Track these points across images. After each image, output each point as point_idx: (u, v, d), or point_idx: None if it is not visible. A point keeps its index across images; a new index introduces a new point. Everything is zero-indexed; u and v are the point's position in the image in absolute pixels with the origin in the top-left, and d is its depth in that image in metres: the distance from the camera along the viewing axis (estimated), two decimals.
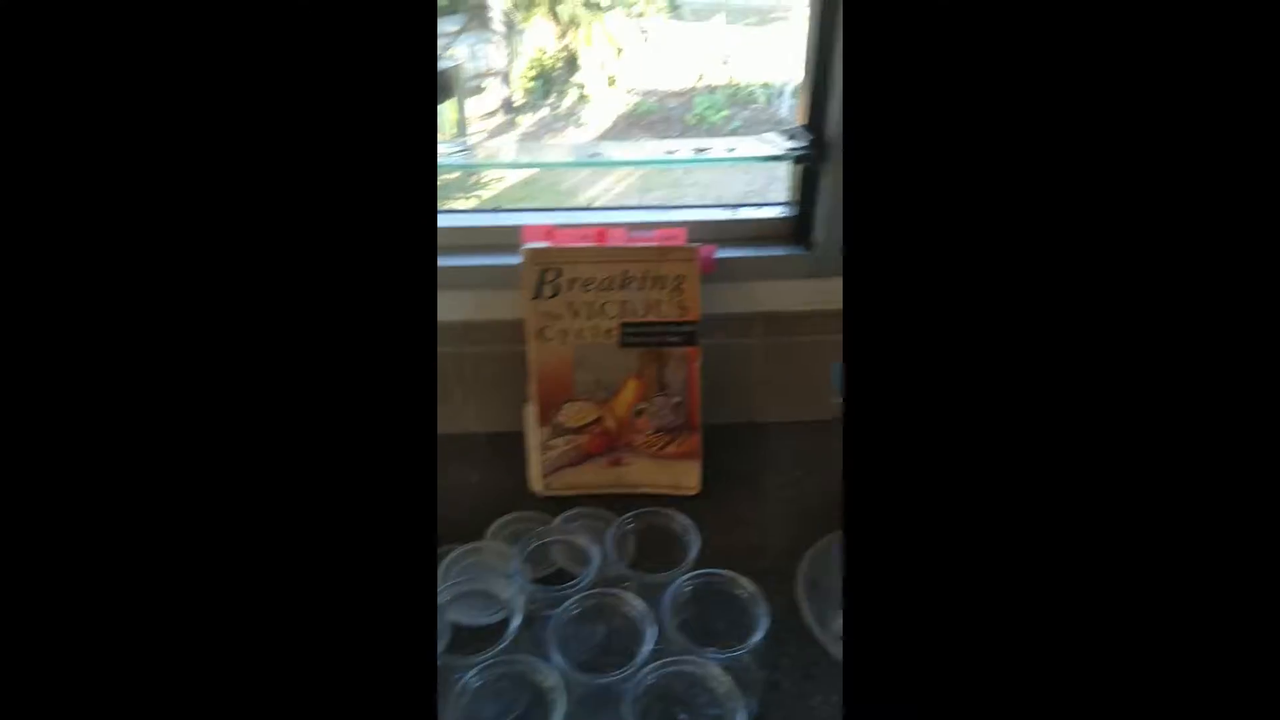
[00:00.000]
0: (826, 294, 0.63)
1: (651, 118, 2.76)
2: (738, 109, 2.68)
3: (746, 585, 0.46)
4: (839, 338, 0.64)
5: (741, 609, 0.45)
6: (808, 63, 0.55)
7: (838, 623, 0.49)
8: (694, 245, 0.56)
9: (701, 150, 0.56)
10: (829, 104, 0.54)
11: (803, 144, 0.56)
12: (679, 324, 0.57)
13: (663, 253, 0.56)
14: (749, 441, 0.67)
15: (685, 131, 2.68)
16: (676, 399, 0.59)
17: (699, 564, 0.47)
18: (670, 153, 0.57)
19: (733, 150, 0.55)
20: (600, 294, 0.56)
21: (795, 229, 0.62)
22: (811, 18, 0.53)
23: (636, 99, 2.74)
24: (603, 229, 0.57)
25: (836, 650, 0.48)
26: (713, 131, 2.63)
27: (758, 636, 0.43)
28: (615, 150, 0.69)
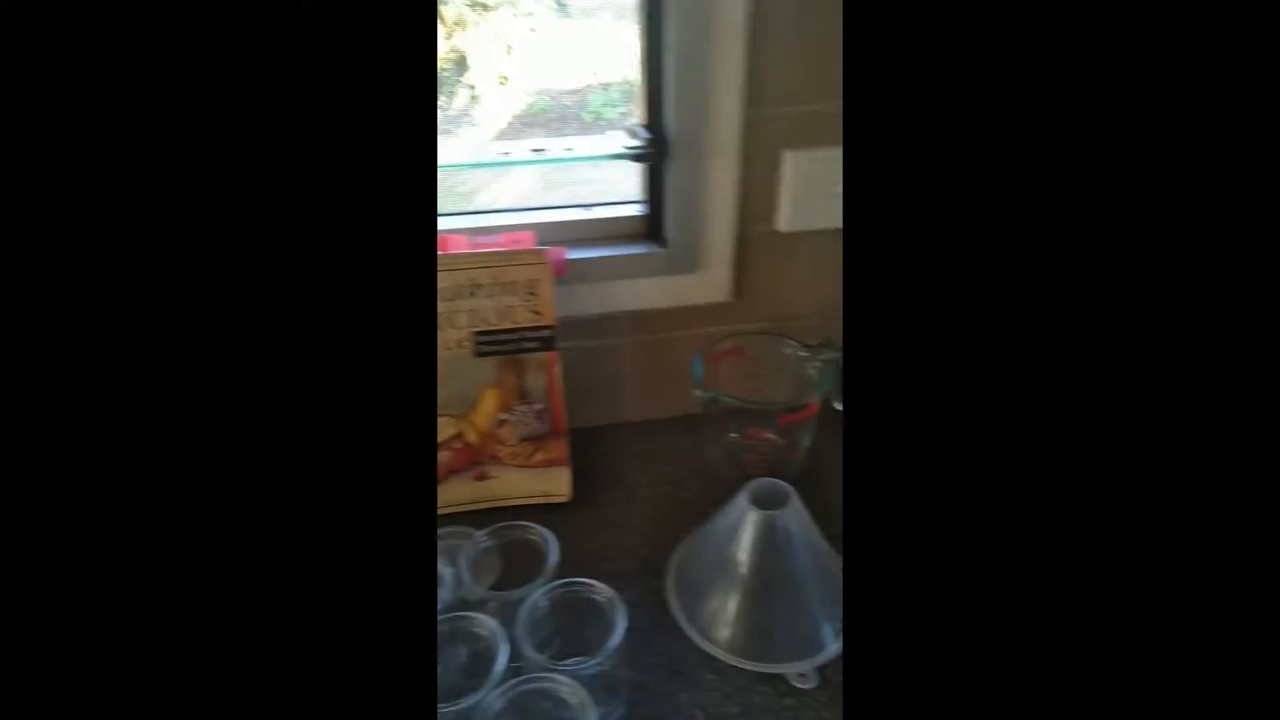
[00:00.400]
0: (682, 290, 0.64)
1: (548, 116, 2.72)
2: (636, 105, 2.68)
3: (604, 591, 0.45)
4: (698, 332, 0.65)
5: (601, 614, 0.45)
6: (641, 61, 0.54)
7: (704, 615, 0.49)
8: (543, 248, 0.55)
9: (538, 150, 0.55)
10: (665, 101, 0.54)
11: (641, 142, 0.56)
12: (535, 329, 0.56)
13: (510, 257, 0.54)
14: (618, 442, 0.67)
15: (583, 128, 2.67)
16: (539, 406, 0.58)
17: (574, 571, 0.47)
18: (504, 154, 0.56)
19: (570, 150, 0.55)
20: (446, 304, 0.54)
21: (648, 227, 0.61)
22: (639, 17, 0.53)
23: (531, 98, 2.70)
24: (444, 236, 0.56)
25: (704, 644, 0.48)
26: (611, 126, 2.63)
27: (614, 642, 0.43)
28: (452, 153, 0.67)
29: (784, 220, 0.61)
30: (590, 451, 0.64)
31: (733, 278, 0.63)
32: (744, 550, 0.47)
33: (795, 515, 0.48)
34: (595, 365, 0.66)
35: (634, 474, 0.64)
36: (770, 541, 0.47)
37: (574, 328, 0.61)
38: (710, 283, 0.63)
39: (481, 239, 0.56)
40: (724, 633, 0.48)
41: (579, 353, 0.62)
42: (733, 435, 0.59)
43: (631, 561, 0.55)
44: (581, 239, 0.61)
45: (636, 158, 0.55)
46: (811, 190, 0.60)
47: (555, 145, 0.59)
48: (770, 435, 0.57)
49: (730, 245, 0.61)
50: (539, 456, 0.59)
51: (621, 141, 0.56)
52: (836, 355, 0.61)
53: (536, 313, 0.55)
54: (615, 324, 0.64)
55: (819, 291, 0.66)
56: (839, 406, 0.66)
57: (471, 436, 0.58)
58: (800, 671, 0.47)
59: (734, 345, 0.63)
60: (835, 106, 0.57)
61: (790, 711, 0.46)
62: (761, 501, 0.47)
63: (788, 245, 0.63)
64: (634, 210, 0.62)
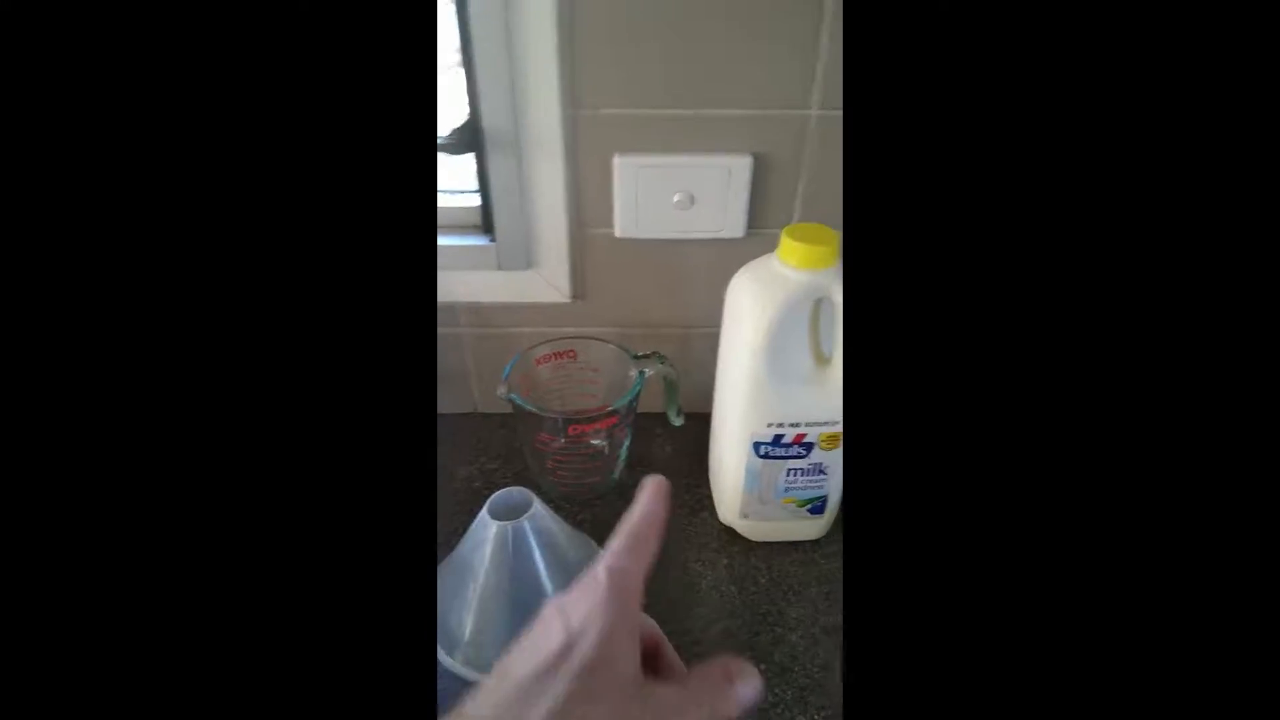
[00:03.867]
0: (519, 287, 0.63)
1: None
2: None
3: None
4: (540, 331, 0.64)
5: None
6: (460, 52, 0.53)
7: (449, 630, 0.49)
8: None
9: None
10: (479, 92, 0.53)
11: (453, 133, 0.55)
12: None
13: None
14: (444, 431, 0.66)
15: None
16: None
17: None
18: None
19: None
20: None
21: (484, 219, 0.60)
22: (455, 8, 0.51)
23: None
24: None
25: (447, 660, 0.48)
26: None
27: None
28: None
29: (619, 226, 0.59)
30: None
31: (571, 279, 0.62)
32: (484, 563, 0.47)
33: (539, 525, 0.47)
34: (439, 354, 0.66)
35: (454, 466, 0.64)
36: (508, 553, 0.46)
37: None
38: (547, 282, 0.62)
39: None
40: (467, 650, 0.48)
41: None
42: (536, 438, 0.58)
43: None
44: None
45: (445, 149, 0.54)
46: (648, 197, 0.57)
47: None
48: (561, 442, 0.56)
49: (565, 246, 0.60)
50: None
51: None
52: (664, 369, 0.60)
53: None
54: (457, 314, 0.64)
55: (660, 301, 0.64)
56: (678, 421, 0.65)
57: None
58: None
59: (567, 348, 0.62)
60: (669, 112, 0.54)
61: None
62: (499, 513, 0.47)
63: (628, 251, 0.61)
64: (474, 200, 0.61)
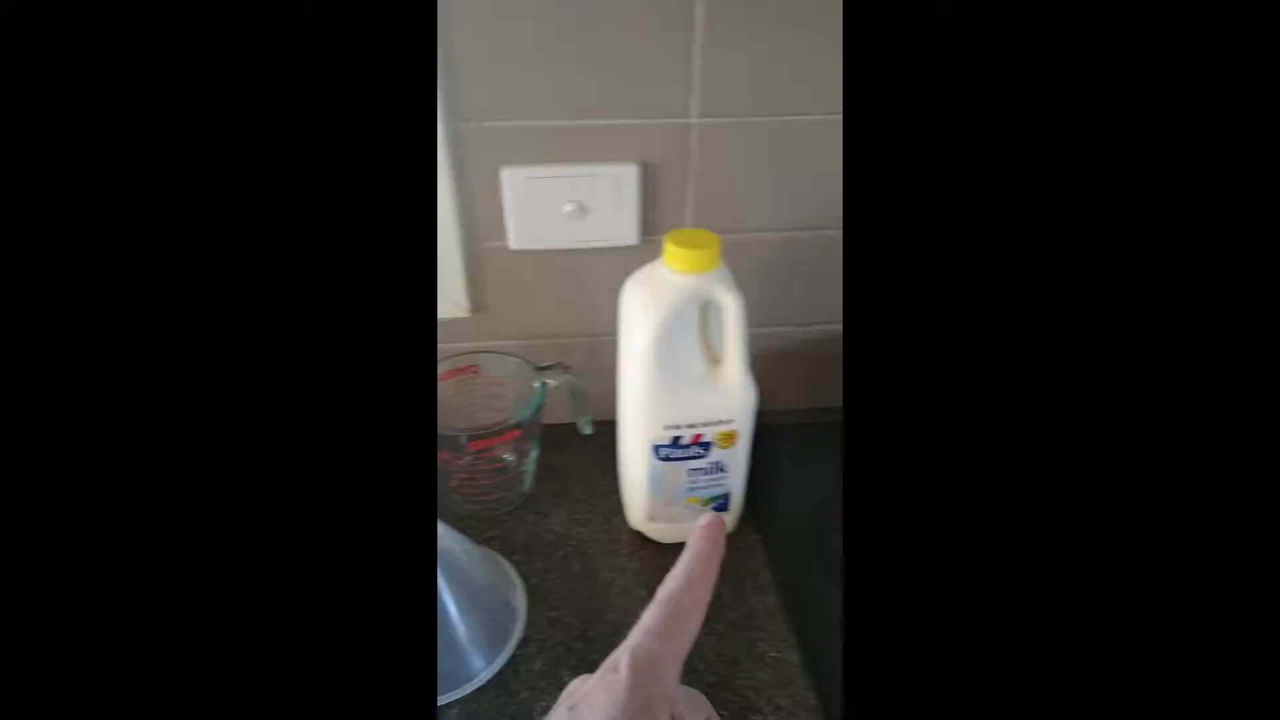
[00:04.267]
0: None
1: None
2: None
3: None
4: (445, 346, 0.63)
5: None
6: None
7: None
8: None
9: None
10: None
11: None
12: None
13: None
14: None
15: None
16: None
17: None
18: None
19: None
20: None
21: None
22: None
23: None
24: None
25: None
26: None
27: None
28: None
29: (513, 238, 0.59)
30: None
31: (469, 293, 0.62)
32: None
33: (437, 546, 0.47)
34: None
35: None
36: None
37: None
38: (444, 297, 0.62)
39: None
40: None
41: None
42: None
43: None
44: None
45: None
46: (539, 208, 0.58)
47: None
48: (466, 459, 0.56)
49: (459, 260, 0.60)
50: None
51: None
52: (568, 378, 0.60)
53: None
54: None
55: (562, 311, 0.64)
56: (588, 430, 0.65)
57: None
58: (446, 702, 0.46)
59: (468, 363, 0.61)
60: (554, 123, 0.55)
61: None
62: None
63: (525, 263, 0.61)
64: None
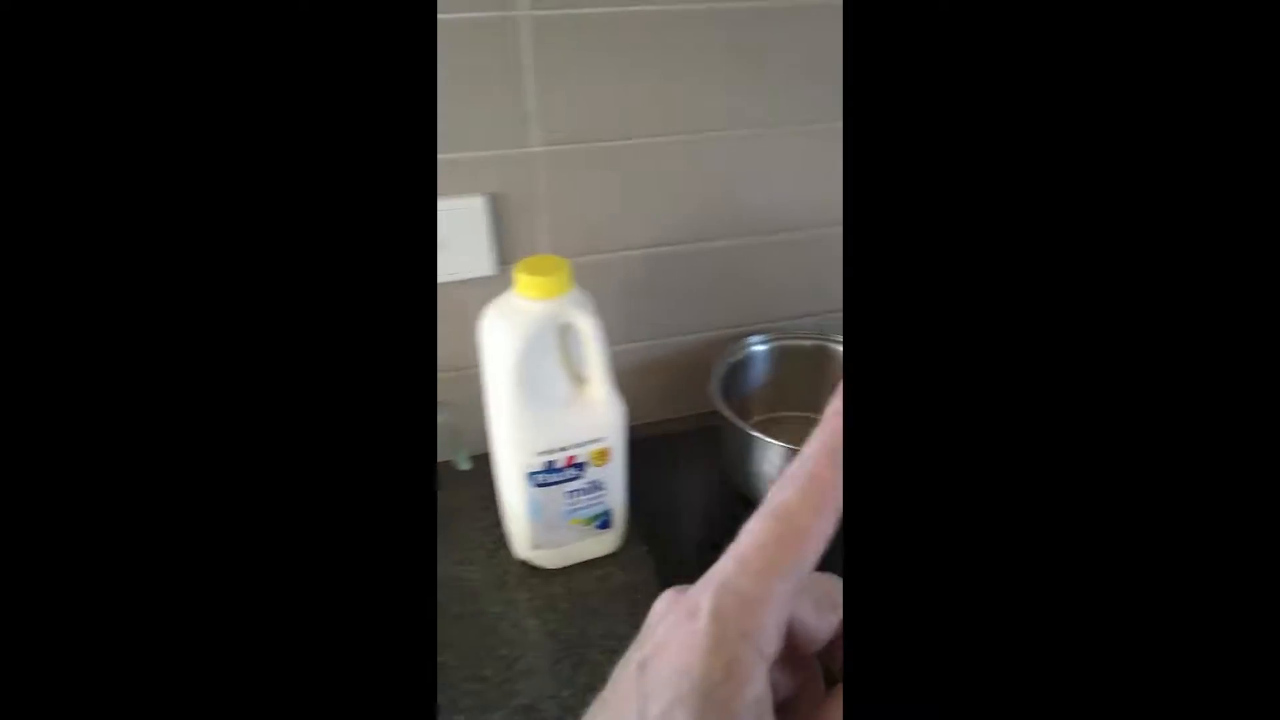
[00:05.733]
0: None
1: None
2: None
3: None
4: None
5: None
6: None
7: None
8: None
9: None
10: None
11: None
12: None
13: None
14: None
15: None
16: None
17: None
18: None
19: None
20: None
21: None
22: None
23: None
24: None
25: None
26: None
27: None
28: None
29: None
30: None
31: None
32: None
33: None
34: None
35: None
36: None
37: None
38: None
39: None
40: None
41: None
42: None
43: None
44: None
45: None
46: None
47: None
48: None
49: None
50: None
51: None
52: (442, 415, 0.59)
53: None
54: None
55: (451, 346, 0.64)
56: (465, 465, 0.64)
57: None
58: None
59: None
60: None
61: None
62: None
63: None
64: None
